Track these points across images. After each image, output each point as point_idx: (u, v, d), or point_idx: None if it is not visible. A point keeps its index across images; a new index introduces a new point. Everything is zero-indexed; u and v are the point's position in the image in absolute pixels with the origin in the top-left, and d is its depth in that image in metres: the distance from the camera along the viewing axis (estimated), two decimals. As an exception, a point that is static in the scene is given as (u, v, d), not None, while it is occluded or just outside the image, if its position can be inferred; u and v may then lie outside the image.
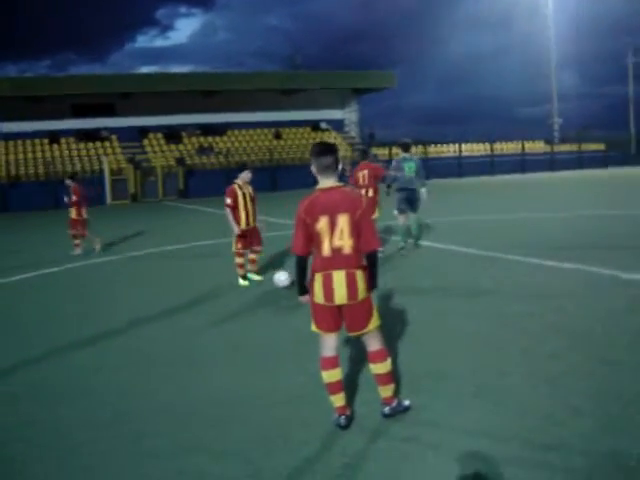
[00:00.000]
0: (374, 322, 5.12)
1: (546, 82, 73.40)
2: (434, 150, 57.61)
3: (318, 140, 56.24)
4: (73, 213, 16.93)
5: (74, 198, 16.84)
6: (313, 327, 5.20)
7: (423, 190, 14.29)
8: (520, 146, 59.63)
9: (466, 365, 6.43)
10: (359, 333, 5.14)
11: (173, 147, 52.43)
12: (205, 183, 44.24)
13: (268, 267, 12.92)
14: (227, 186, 11.36)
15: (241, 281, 11.33)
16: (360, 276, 4.97)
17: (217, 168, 48.42)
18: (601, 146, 62.85)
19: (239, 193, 11.19)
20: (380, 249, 5.12)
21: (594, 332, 7.32)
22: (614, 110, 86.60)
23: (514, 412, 5.25)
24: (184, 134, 53.93)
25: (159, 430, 5.33)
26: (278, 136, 56.55)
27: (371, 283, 5.07)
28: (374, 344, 5.19)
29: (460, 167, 54.43)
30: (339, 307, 5.03)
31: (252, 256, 11.63)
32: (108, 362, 7.31)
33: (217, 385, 6.32)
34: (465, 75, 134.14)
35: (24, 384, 6.72)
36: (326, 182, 5.04)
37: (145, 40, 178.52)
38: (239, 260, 11.37)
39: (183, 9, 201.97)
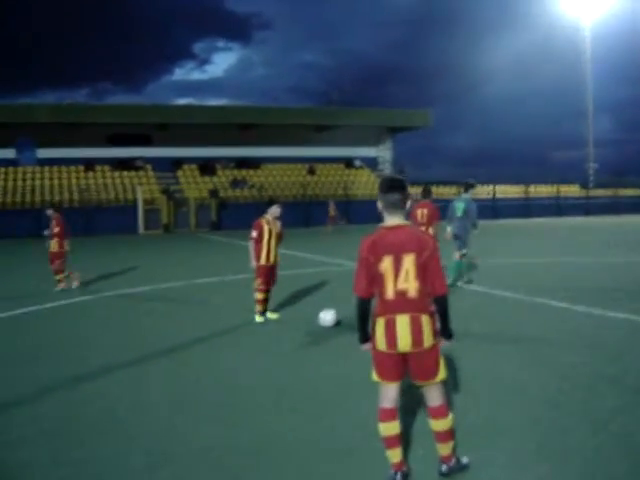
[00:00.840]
0: (441, 374, 4.75)
1: (580, 126, 73.01)
2: (476, 191, 57.12)
3: (352, 176, 56.40)
4: (53, 246, 15.69)
5: (56, 230, 15.65)
6: (373, 376, 4.80)
7: (475, 232, 14.27)
8: (555, 189, 59.09)
9: (524, 419, 6.03)
10: (426, 383, 4.76)
11: (207, 179, 52.69)
12: (238, 216, 44.22)
13: (299, 304, 12.61)
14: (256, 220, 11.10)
15: (257, 317, 11.03)
16: (426, 321, 4.61)
17: (250, 201, 48.43)
18: (638, 192, 62.11)
19: (265, 228, 10.93)
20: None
21: (657, 388, 6.89)
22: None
23: (581, 475, 4.84)
24: (218, 166, 54.24)
25: (199, 476, 4.99)
26: (312, 172, 56.63)
27: (438, 329, 4.71)
28: (436, 399, 4.79)
29: (495, 209, 53.97)
30: (403, 355, 4.66)
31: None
32: (145, 399, 6.99)
33: (260, 430, 5.94)
34: (499, 117, 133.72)
35: (54, 419, 6.42)
36: (391, 220, 4.69)
37: (182, 73, 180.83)
38: (259, 296, 11.07)
39: (221, 43, 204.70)
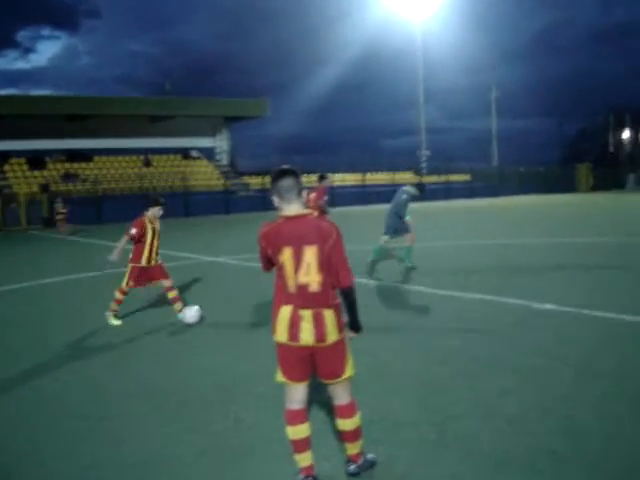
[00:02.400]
0: (349, 371, 4.49)
1: (411, 115, 75.33)
2: (306, 180, 57.54)
3: (190, 167, 55.44)
4: None
5: None
6: (278, 377, 4.49)
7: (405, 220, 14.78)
8: (390, 177, 60.61)
9: (418, 409, 5.92)
10: (334, 381, 4.48)
11: (37, 173, 49.98)
12: (72, 211, 42.22)
13: (156, 302, 12.07)
14: (136, 218, 10.15)
15: (113, 320, 10.20)
16: (329, 316, 4.31)
17: (84, 196, 46.45)
18: (467, 177, 64.91)
19: (149, 227, 10.09)
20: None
21: (535, 367, 7.01)
22: (476, 143, 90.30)
23: (489, 461, 4.78)
24: (48, 160, 51.60)
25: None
26: (147, 163, 55.10)
27: (344, 323, 4.44)
28: (343, 396, 4.53)
29: (332, 197, 54.53)
30: (309, 350, 4.36)
31: (172, 294, 10.40)
32: (8, 417, 6.31)
33: (145, 442, 5.46)
34: (334, 106, 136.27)
35: None
36: (290, 209, 4.35)
37: (3, 62, 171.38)
38: (120, 297, 10.25)
39: (46, 32, 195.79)
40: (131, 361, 8.12)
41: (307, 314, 4.30)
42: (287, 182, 4.35)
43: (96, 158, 53.79)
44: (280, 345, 4.41)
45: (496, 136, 77.28)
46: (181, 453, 5.18)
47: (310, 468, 4.48)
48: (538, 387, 6.37)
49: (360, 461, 4.63)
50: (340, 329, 4.39)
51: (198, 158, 58.38)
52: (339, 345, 4.40)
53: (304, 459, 4.46)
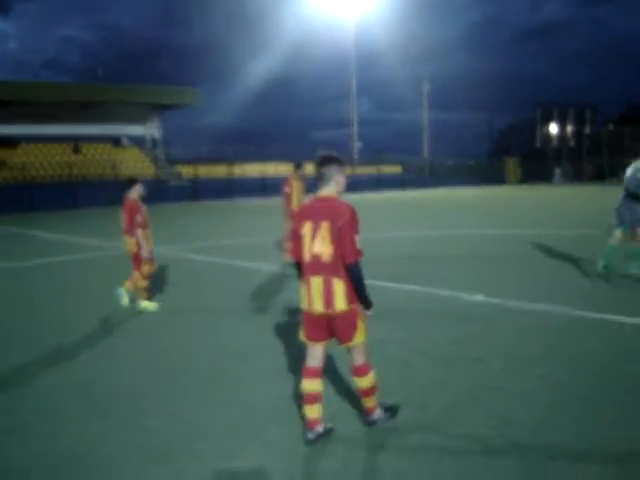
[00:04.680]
0: (358, 337, 5.06)
1: (342, 107, 75.38)
2: (239, 169, 57.28)
3: (120, 155, 54.54)
4: None
5: None
6: (300, 336, 5.22)
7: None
8: (323, 167, 60.60)
9: (350, 402, 5.90)
10: (347, 345, 5.12)
11: (-40, 160, 48.45)
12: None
13: (90, 292, 11.88)
14: (125, 203, 9.71)
15: (149, 305, 9.94)
16: (338, 285, 4.92)
17: (11, 183, 45.27)
18: (398, 169, 65.44)
19: (143, 210, 9.71)
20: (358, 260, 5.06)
21: (466, 357, 7.15)
22: (406, 135, 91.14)
23: (423, 453, 4.88)
24: (-27, 146, 50.05)
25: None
26: (77, 150, 53.95)
27: (354, 297, 4.99)
28: (357, 359, 5.17)
29: (265, 187, 54.36)
30: (326, 318, 4.99)
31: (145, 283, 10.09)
32: None
33: (76, 438, 5.36)
34: (265, 97, 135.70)
35: None
36: (322, 191, 5.11)
37: None
38: (145, 283, 9.98)
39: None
40: (60, 354, 7.92)
41: (318, 281, 4.95)
42: (323, 170, 5.09)
43: (23, 145, 52.38)
44: (303, 311, 5.14)
45: (427, 129, 78.06)
46: (113, 450, 5.11)
47: (315, 422, 5.09)
48: (469, 378, 6.50)
49: (376, 412, 5.31)
50: (350, 301, 4.97)
51: (129, 146, 57.44)
52: (349, 315, 4.99)
53: (310, 410, 5.09)
